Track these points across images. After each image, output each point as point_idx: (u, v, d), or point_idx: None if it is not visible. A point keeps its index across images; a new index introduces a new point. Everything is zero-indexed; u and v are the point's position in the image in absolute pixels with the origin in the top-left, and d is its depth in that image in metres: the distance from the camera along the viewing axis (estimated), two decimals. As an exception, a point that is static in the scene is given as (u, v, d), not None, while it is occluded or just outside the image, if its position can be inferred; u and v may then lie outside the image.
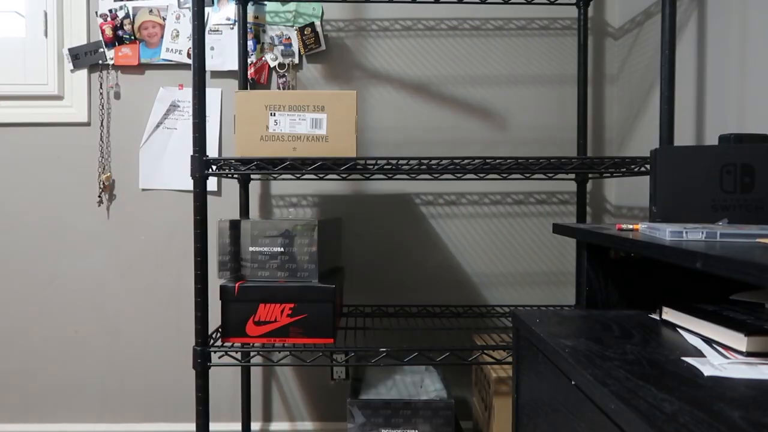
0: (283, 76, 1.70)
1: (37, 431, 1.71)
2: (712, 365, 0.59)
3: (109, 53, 1.69)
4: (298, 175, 1.54)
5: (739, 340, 0.62)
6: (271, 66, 1.70)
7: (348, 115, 1.23)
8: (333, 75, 1.70)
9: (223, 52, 1.69)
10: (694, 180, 0.87)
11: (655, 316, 0.82)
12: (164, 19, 1.69)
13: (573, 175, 1.64)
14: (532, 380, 0.82)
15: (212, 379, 1.73)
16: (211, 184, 1.70)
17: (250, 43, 1.69)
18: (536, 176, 1.54)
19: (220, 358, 1.61)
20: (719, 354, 0.63)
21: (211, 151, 1.69)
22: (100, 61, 1.69)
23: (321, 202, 1.71)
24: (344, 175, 1.53)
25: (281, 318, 1.28)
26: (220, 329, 1.37)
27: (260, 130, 1.23)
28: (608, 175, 1.38)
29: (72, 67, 1.68)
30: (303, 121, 1.23)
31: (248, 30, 1.68)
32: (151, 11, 1.69)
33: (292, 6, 1.69)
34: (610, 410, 0.50)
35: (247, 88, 1.67)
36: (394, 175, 1.25)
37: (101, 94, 1.69)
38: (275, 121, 1.23)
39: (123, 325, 1.71)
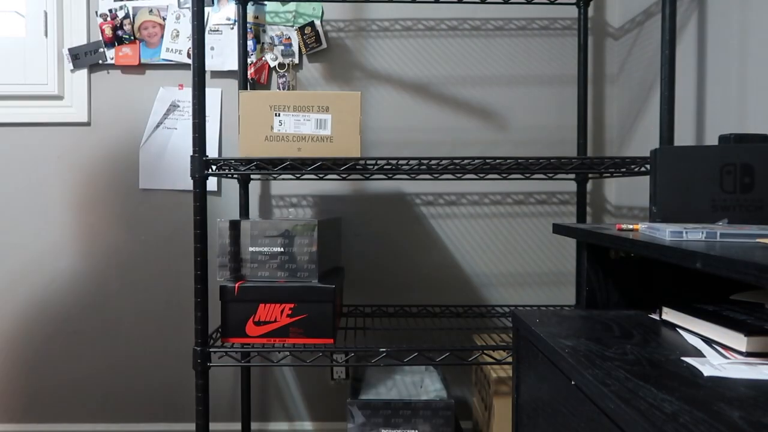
0: (283, 76, 1.70)
1: (37, 431, 1.71)
2: (712, 365, 0.59)
3: (109, 53, 1.69)
4: (298, 176, 1.54)
5: (739, 340, 0.62)
6: (271, 66, 1.70)
7: (352, 115, 1.23)
8: (333, 75, 1.70)
9: (223, 52, 1.69)
10: (694, 180, 0.87)
11: (655, 316, 0.82)
12: (164, 19, 1.69)
13: (573, 175, 1.64)
14: (532, 380, 0.82)
15: (212, 379, 1.73)
16: (211, 184, 1.70)
17: (250, 43, 1.69)
18: (536, 176, 1.54)
19: (220, 358, 1.61)
20: (719, 354, 0.63)
21: (211, 151, 1.69)
22: (100, 61, 1.69)
23: (321, 202, 1.71)
24: (344, 176, 1.53)
25: (281, 318, 1.28)
26: (220, 329, 1.37)
27: (265, 131, 1.23)
28: (608, 175, 1.38)
29: (72, 67, 1.68)
30: (308, 121, 1.23)
31: (248, 30, 1.68)
32: (151, 11, 1.69)
33: (292, 6, 1.69)
34: (610, 410, 0.50)
35: (247, 88, 1.67)
36: (394, 175, 1.25)
37: (101, 94, 1.69)
38: (280, 121, 1.23)
39: (123, 325, 1.71)
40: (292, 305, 1.27)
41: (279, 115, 1.23)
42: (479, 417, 1.57)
